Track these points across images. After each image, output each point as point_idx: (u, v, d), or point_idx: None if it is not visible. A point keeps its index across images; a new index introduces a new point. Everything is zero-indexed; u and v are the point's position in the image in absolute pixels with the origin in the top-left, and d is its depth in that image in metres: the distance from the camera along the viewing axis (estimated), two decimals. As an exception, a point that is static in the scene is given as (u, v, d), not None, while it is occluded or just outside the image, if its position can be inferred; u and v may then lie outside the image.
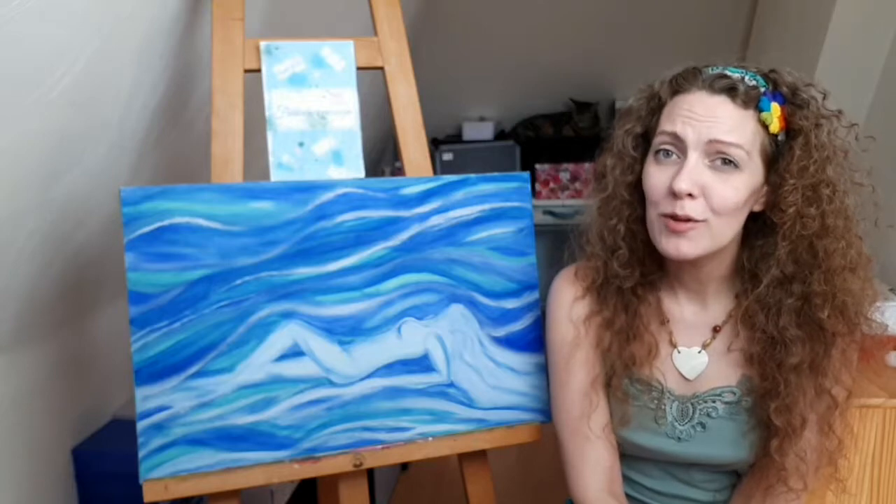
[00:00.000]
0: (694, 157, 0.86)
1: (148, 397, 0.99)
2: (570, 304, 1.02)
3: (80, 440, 1.49)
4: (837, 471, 0.92)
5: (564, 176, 3.25)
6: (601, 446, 0.99)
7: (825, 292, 0.88)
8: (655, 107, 0.94)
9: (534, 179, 3.20)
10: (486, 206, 1.16)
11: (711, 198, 0.85)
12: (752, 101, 0.87)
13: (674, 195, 0.86)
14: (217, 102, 1.11)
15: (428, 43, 2.97)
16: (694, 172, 0.85)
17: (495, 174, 1.18)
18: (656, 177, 0.89)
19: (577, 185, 3.26)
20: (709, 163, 0.86)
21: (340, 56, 1.18)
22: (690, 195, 0.85)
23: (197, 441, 1.01)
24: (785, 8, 2.55)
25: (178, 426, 1.00)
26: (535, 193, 3.20)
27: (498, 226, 1.17)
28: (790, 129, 0.89)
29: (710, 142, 0.85)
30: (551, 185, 3.26)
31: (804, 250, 0.88)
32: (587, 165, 3.24)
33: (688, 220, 0.86)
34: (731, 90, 0.86)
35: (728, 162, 0.86)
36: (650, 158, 0.92)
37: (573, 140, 3.30)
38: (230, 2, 1.15)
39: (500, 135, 3.35)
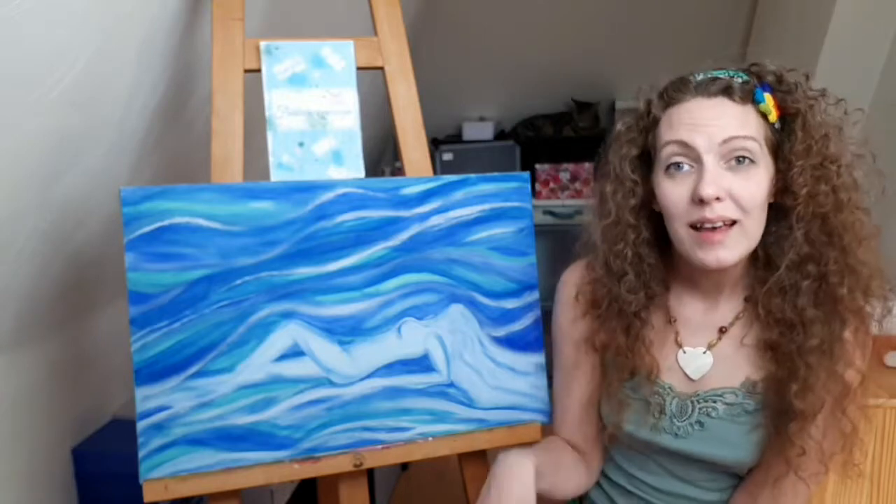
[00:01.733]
0: (711, 162, 0.85)
1: (148, 397, 0.99)
2: (570, 321, 1.04)
3: (80, 440, 1.49)
4: (852, 456, 0.92)
5: (564, 176, 3.25)
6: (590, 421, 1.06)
7: (842, 269, 0.88)
8: (649, 125, 0.94)
9: (534, 179, 3.21)
10: (486, 206, 1.16)
11: (739, 198, 0.85)
12: (749, 96, 0.88)
13: (700, 202, 0.85)
14: (217, 102, 1.11)
15: (428, 43, 2.97)
16: (715, 176, 0.85)
17: (495, 174, 1.18)
18: (674, 191, 0.88)
19: (577, 185, 3.26)
20: (725, 164, 0.86)
21: (340, 56, 1.18)
22: (718, 198, 0.85)
23: (197, 441, 1.01)
24: (785, 8, 2.55)
25: (178, 426, 1.00)
26: (535, 193, 3.20)
27: (498, 226, 1.17)
28: (785, 115, 0.90)
29: (725, 141, 0.85)
30: (551, 185, 3.26)
31: (818, 230, 0.88)
32: (587, 165, 3.24)
33: (722, 223, 0.86)
34: (726, 90, 0.87)
35: (742, 159, 0.86)
36: (660, 175, 0.91)
37: (573, 140, 3.30)
38: (230, 2, 1.15)
39: (500, 135, 3.35)
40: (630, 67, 3.16)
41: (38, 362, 1.38)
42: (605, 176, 0.99)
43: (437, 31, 2.97)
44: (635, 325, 0.96)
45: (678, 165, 0.88)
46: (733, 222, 0.86)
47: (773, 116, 0.88)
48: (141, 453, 0.99)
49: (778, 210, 0.91)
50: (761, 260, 0.94)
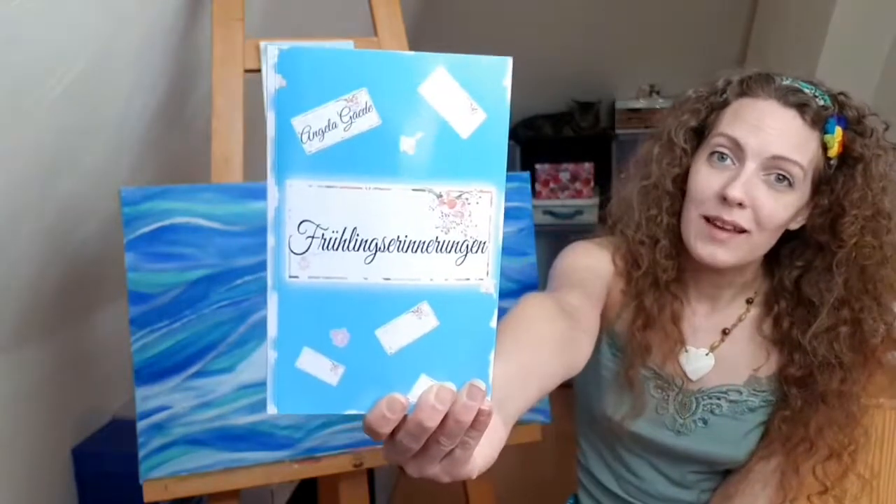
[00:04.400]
0: (752, 168, 0.84)
1: (148, 397, 0.99)
2: (609, 264, 0.95)
3: (80, 440, 1.48)
4: (845, 495, 0.94)
5: (564, 176, 3.25)
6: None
7: (876, 319, 0.88)
8: (717, 104, 0.91)
9: (534, 179, 3.20)
10: (486, 206, 1.16)
11: (760, 211, 0.84)
12: (820, 122, 0.85)
13: (724, 200, 0.84)
14: (217, 102, 1.11)
15: (428, 43, 2.97)
16: (749, 183, 0.84)
17: (495, 174, 1.17)
18: (707, 178, 0.87)
19: (577, 185, 3.25)
20: (764, 176, 0.85)
21: (340, 56, 1.18)
22: (741, 204, 0.84)
23: (197, 441, 1.01)
24: (785, 8, 2.55)
25: (178, 426, 1.00)
26: (535, 193, 3.20)
27: (498, 226, 1.17)
28: (847, 156, 0.87)
29: (773, 157, 0.84)
30: (551, 185, 3.26)
31: (856, 277, 0.88)
32: (587, 165, 3.24)
33: (732, 228, 0.85)
34: (802, 106, 0.85)
35: (782, 179, 0.84)
36: (702, 157, 0.89)
37: (573, 140, 3.30)
38: (230, 2, 1.15)
39: (500, 135, 3.35)
40: (630, 67, 3.16)
41: (38, 362, 1.38)
42: (655, 137, 0.96)
43: (437, 31, 2.97)
44: (666, 297, 0.94)
45: (722, 156, 0.87)
46: (742, 230, 0.85)
47: (834, 152, 0.86)
48: (141, 453, 0.99)
49: (814, 244, 0.90)
50: (787, 290, 0.93)
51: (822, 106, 0.85)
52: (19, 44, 0.88)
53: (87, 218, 1.28)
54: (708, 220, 0.86)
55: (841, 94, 0.89)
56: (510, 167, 3.35)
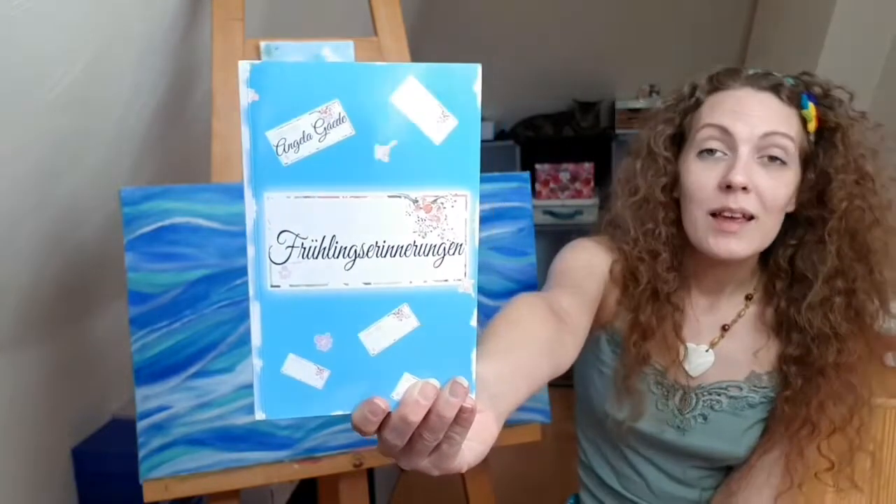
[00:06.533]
0: (746, 152, 0.85)
1: (148, 397, 0.99)
2: (608, 265, 0.95)
3: (80, 440, 1.49)
4: (854, 472, 0.93)
5: (564, 176, 3.25)
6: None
7: (869, 287, 0.89)
8: (689, 107, 0.93)
9: (534, 179, 3.21)
10: (487, 206, 1.16)
11: (763, 193, 0.85)
12: (795, 99, 0.88)
13: (727, 188, 0.85)
14: (217, 102, 1.11)
15: (428, 43, 2.97)
16: (748, 167, 0.85)
17: (495, 174, 1.18)
18: (702, 174, 0.88)
19: (577, 185, 3.26)
20: (758, 159, 0.86)
21: (340, 56, 1.18)
22: (745, 189, 0.84)
23: (197, 441, 1.01)
24: (785, 8, 2.55)
25: (178, 426, 1.00)
26: (535, 193, 3.20)
27: (498, 226, 1.17)
28: (824, 129, 0.90)
29: (765, 135, 0.85)
30: (551, 185, 3.26)
31: (848, 245, 0.89)
32: (587, 165, 3.24)
33: (741, 215, 0.85)
34: (776, 87, 0.87)
35: (775, 158, 0.86)
36: (691, 157, 0.90)
37: (573, 140, 3.30)
38: (230, 2, 1.15)
39: (500, 135, 3.35)
40: (630, 67, 3.16)
41: (38, 362, 1.38)
42: (634, 154, 0.97)
43: (437, 31, 2.97)
44: (666, 307, 0.94)
45: (711, 151, 0.88)
46: (751, 217, 0.86)
47: (813, 126, 0.88)
48: (141, 453, 0.99)
49: (804, 221, 0.91)
50: (782, 270, 0.94)
51: (792, 85, 0.88)
52: (19, 44, 0.88)
53: (87, 218, 1.28)
54: (714, 214, 0.87)
55: (804, 73, 0.92)
56: (511, 167, 3.34)
